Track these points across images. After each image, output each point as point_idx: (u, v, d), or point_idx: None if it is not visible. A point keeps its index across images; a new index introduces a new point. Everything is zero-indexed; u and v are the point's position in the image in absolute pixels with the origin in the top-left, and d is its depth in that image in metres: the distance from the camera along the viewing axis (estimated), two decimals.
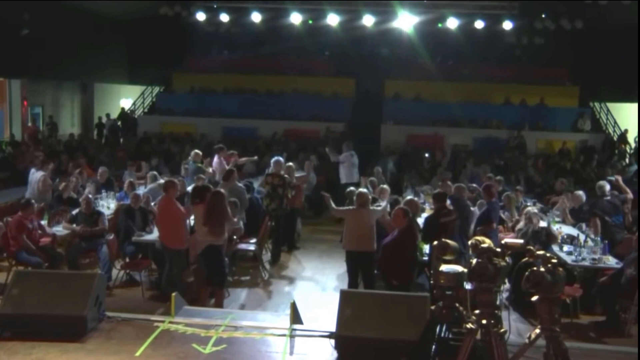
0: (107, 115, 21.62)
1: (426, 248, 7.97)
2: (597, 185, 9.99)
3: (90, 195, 9.84)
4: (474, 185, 11.35)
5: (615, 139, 19.47)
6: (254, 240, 9.57)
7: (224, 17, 20.83)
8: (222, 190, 7.96)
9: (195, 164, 11.79)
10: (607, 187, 9.88)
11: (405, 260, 7.32)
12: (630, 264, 7.54)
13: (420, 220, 9.55)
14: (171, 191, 8.16)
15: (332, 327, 5.30)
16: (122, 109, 22.13)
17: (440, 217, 7.97)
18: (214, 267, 7.59)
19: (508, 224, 9.92)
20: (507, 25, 19.82)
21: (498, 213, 9.39)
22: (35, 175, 10.92)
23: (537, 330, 4.09)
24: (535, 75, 21.57)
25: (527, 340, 4.21)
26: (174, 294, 5.97)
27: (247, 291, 8.79)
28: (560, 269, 4.08)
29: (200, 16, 20.66)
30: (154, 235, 8.85)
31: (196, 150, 12.39)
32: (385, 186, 10.61)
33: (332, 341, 5.28)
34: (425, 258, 7.83)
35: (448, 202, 8.43)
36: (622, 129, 19.52)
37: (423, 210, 10.91)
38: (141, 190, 10.50)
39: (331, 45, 22.60)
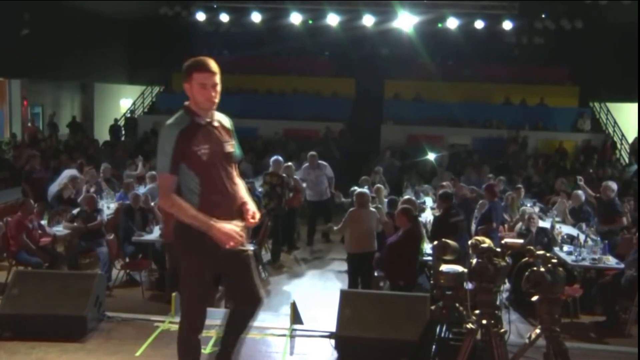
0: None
1: (427, 248, 7.97)
2: (605, 185, 9.67)
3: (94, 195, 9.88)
4: (473, 187, 11.37)
5: (615, 139, 19.45)
6: (254, 240, 9.56)
7: (224, 17, 20.80)
8: None
9: None
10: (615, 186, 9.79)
11: (411, 260, 7.31)
12: (631, 265, 7.54)
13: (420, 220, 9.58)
14: None
15: (332, 327, 5.29)
16: (74, 117, 21.01)
17: (450, 217, 7.96)
18: None
19: (510, 223, 9.91)
20: (507, 25, 19.78)
21: (500, 213, 9.38)
22: (67, 171, 11.16)
23: (537, 330, 4.08)
24: (535, 75, 21.53)
25: (527, 340, 4.20)
26: (174, 294, 5.96)
27: None
28: (560, 269, 4.07)
29: (200, 16, 20.63)
30: (154, 235, 8.86)
31: None
32: (379, 185, 10.60)
33: (332, 341, 5.28)
34: (425, 258, 7.83)
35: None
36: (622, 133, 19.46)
37: (423, 210, 10.92)
38: (140, 190, 10.50)
39: (331, 45, 22.56)
